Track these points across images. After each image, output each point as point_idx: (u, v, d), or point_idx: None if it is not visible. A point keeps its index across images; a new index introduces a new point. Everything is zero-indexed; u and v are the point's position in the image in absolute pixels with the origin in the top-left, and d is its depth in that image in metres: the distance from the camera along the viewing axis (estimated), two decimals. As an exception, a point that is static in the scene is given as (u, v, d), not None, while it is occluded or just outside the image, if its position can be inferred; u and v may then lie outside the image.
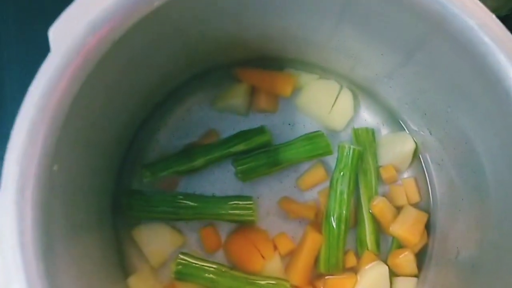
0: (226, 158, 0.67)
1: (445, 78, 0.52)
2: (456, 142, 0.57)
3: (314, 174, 0.69)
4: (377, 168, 0.68)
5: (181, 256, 0.62)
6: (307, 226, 0.67)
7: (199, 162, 0.66)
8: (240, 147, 0.67)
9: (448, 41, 0.46)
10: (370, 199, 0.66)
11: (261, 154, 0.66)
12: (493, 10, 0.44)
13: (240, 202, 0.66)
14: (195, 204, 0.65)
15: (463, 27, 0.44)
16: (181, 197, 0.65)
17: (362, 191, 0.67)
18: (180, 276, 0.62)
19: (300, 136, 0.68)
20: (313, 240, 0.65)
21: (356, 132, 0.68)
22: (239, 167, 0.66)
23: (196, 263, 0.62)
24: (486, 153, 0.52)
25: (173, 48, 0.57)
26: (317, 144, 0.67)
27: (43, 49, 0.42)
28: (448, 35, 0.45)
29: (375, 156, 0.68)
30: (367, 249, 0.66)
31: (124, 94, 0.56)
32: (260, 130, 0.67)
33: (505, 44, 0.43)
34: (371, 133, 0.68)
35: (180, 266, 0.62)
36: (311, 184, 0.68)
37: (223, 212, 0.65)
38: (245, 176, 0.66)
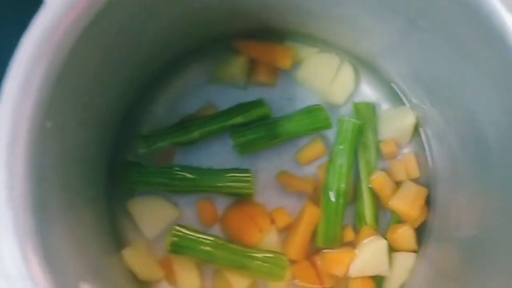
0: (223, 130, 0.66)
1: (449, 44, 0.51)
2: (458, 112, 0.56)
3: (313, 149, 0.68)
4: (377, 143, 0.67)
5: (177, 228, 0.61)
6: (306, 201, 0.66)
7: (195, 134, 0.65)
8: (238, 119, 0.66)
9: (452, 2, 0.45)
10: (369, 173, 0.66)
11: (259, 127, 0.65)
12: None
13: (238, 175, 0.65)
14: (192, 176, 0.64)
15: (468, -14, 0.43)
16: (177, 169, 0.64)
17: (361, 165, 0.66)
18: (176, 248, 0.61)
19: (299, 110, 0.67)
20: (311, 214, 0.64)
21: (356, 106, 0.68)
22: (236, 139, 0.65)
23: (192, 235, 0.61)
24: (489, 120, 0.51)
25: (171, 14, 0.56)
26: (316, 118, 0.66)
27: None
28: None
29: (375, 131, 0.67)
30: (366, 224, 0.65)
31: (119, 59, 0.55)
32: (259, 103, 0.66)
33: (510, 3, 0.42)
34: (372, 108, 0.67)
35: (175, 238, 0.60)
36: (310, 158, 0.68)
37: (220, 184, 0.64)
38: (243, 149, 0.65)
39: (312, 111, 0.66)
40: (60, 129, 0.45)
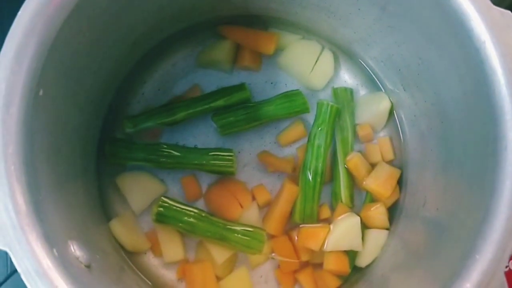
0: (207, 113, 0.70)
1: (415, 28, 0.55)
2: (426, 94, 0.60)
3: (294, 131, 0.71)
4: (354, 126, 0.71)
5: (163, 199, 0.65)
6: (284, 179, 0.69)
7: (180, 116, 0.68)
8: (220, 102, 0.69)
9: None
10: (345, 154, 0.69)
11: (240, 110, 0.69)
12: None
13: (221, 154, 0.68)
14: (177, 154, 0.67)
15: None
16: (164, 146, 0.68)
17: (338, 147, 0.70)
18: (161, 218, 0.64)
19: (279, 94, 0.70)
20: (289, 192, 0.68)
21: (335, 91, 0.71)
22: (218, 122, 0.69)
23: (177, 206, 0.65)
24: (452, 102, 0.55)
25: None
26: (294, 102, 0.69)
27: None
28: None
29: (352, 114, 0.71)
30: (341, 202, 0.68)
31: (109, 39, 0.58)
32: (240, 87, 0.70)
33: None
34: (350, 93, 0.71)
35: (161, 209, 0.64)
36: (291, 140, 0.71)
37: (204, 162, 0.68)
38: (224, 130, 0.69)
39: (290, 95, 0.70)
40: (51, 99, 0.48)
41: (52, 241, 0.43)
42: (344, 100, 0.71)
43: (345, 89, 0.71)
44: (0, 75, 0.43)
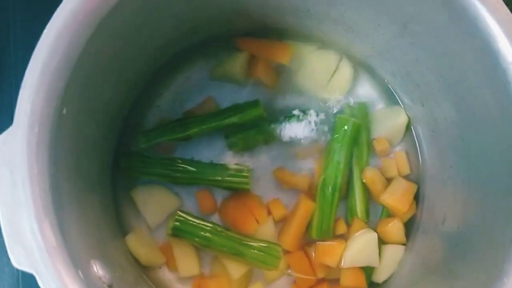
0: (220, 128, 0.69)
1: (438, 47, 0.54)
2: (447, 111, 0.60)
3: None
4: (370, 140, 0.70)
5: (180, 213, 0.64)
6: (300, 194, 0.69)
7: (193, 132, 0.68)
8: (234, 119, 0.68)
9: (441, 8, 0.49)
10: (361, 169, 0.69)
11: (252, 131, 0.69)
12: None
13: (236, 170, 0.68)
14: (193, 169, 0.67)
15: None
16: (179, 161, 0.67)
17: (354, 161, 0.69)
18: (177, 232, 0.64)
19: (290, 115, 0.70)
20: (306, 208, 0.67)
21: (350, 106, 0.71)
22: (233, 148, 0.69)
23: (193, 221, 0.64)
24: (474, 121, 0.54)
25: (177, 10, 0.59)
26: None
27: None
28: (441, 1, 0.48)
29: (368, 129, 0.70)
30: (357, 217, 0.68)
31: (129, 51, 0.58)
32: (254, 104, 0.69)
33: (494, 8, 0.46)
34: (364, 107, 0.70)
35: (177, 223, 0.64)
36: (308, 153, 0.71)
37: (219, 178, 0.67)
38: (238, 150, 0.69)
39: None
40: (74, 116, 0.48)
41: (77, 263, 0.43)
42: (359, 115, 0.70)
43: (360, 103, 0.70)
44: (25, 96, 0.42)
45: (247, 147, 0.69)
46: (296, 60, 0.72)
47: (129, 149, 0.69)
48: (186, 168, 0.67)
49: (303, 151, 0.71)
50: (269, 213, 0.69)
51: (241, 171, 0.68)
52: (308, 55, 0.71)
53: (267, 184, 0.70)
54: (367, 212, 0.69)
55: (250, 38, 0.71)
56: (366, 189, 0.69)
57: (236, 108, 0.69)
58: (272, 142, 0.70)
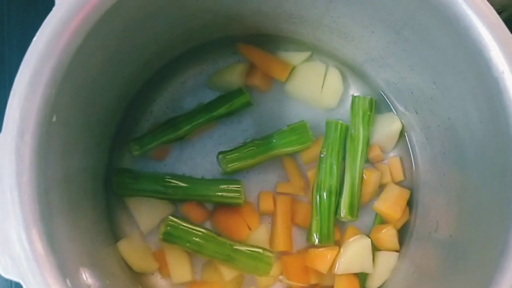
0: (211, 122, 0.69)
1: (431, 54, 0.54)
2: (440, 119, 0.60)
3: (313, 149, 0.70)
4: (367, 137, 0.68)
5: (171, 218, 0.64)
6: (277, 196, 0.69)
7: (184, 130, 0.68)
8: (222, 110, 0.69)
9: (434, 15, 0.49)
10: (354, 164, 0.68)
11: (243, 147, 0.68)
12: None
13: (228, 186, 0.67)
14: (184, 185, 0.67)
15: (448, 1, 0.46)
16: (169, 177, 0.67)
17: (348, 156, 0.68)
18: (168, 237, 0.63)
19: (284, 129, 0.69)
20: (283, 203, 0.68)
21: (353, 99, 0.70)
22: (223, 160, 0.68)
23: (185, 226, 0.64)
24: (467, 128, 0.54)
25: (171, 16, 0.59)
26: (301, 136, 0.69)
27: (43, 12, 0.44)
28: (434, 9, 0.48)
29: (367, 124, 0.69)
30: (343, 214, 0.66)
31: (121, 60, 0.58)
32: (239, 92, 0.69)
33: (487, 17, 0.45)
34: (368, 102, 0.69)
35: (169, 228, 0.63)
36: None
37: (211, 193, 0.67)
38: (228, 167, 0.68)
39: (296, 128, 0.69)
40: (64, 123, 0.48)
41: (65, 271, 0.43)
42: (360, 109, 0.69)
43: (364, 98, 0.69)
44: (14, 103, 0.42)
45: (238, 165, 0.68)
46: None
47: (123, 158, 0.69)
48: (178, 184, 0.66)
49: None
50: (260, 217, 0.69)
51: (233, 185, 0.67)
52: (296, 70, 0.71)
53: (259, 190, 0.70)
54: (351, 207, 0.66)
55: (251, 46, 0.71)
56: (356, 186, 0.67)
57: (222, 99, 0.69)
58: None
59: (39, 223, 0.42)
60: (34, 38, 0.44)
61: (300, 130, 0.68)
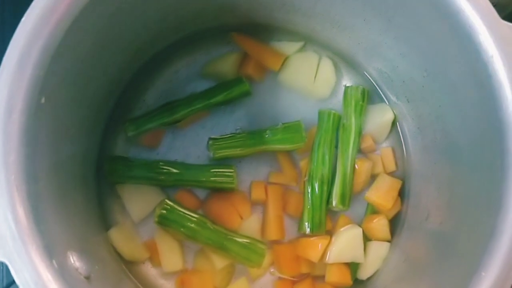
0: (207, 109, 0.69)
1: (422, 41, 0.54)
2: (431, 107, 0.60)
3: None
4: (360, 127, 0.69)
5: (167, 201, 0.64)
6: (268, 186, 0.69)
7: (181, 114, 0.68)
8: (220, 98, 0.68)
9: (424, 1, 0.49)
10: (346, 156, 0.67)
11: (235, 137, 0.68)
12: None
13: (221, 170, 0.67)
14: (177, 171, 0.66)
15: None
16: (162, 163, 0.67)
17: (340, 145, 0.68)
18: (163, 221, 0.63)
19: (278, 126, 0.68)
20: (274, 191, 0.68)
21: (346, 89, 0.70)
22: (212, 146, 0.67)
23: (180, 210, 0.64)
24: (457, 115, 0.54)
25: (161, 3, 0.59)
26: (294, 135, 0.68)
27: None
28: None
29: (360, 114, 0.69)
30: (334, 203, 0.66)
31: (113, 44, 0.57)
32: (239, 81, 0.69)
33: (476, 1, 0.45)
34: (360, 92, 0.69)
35: (164, 211, 0.63)
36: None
37: (203, 179, 0.67)
38: (217, 153, 0.68)
39: (291, 127, 0.68)
40: (53, 106, 0.48)
41: (52, 253, 0.42)
42: (353, 99, 0.69)
43: (357, 87, 0.69)
44: (2, 81, 0.42)
45: (227, 153, 0.68)
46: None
47: (112, 152, 0.69)
48: (170, 170, 0.66)
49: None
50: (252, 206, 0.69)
51: (226, 170, 0.67)
52: (289, 60, 0.71)
53: (251, 179, 0.70)
54: (343, 196, 0.66)
55: (246, 36, 0.71)
56: (348, 175, 0.67)
57: (221, 87, 0.69)
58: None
59: (26, 203, 0.42)
60: (23, 19, 0.43)
61: (294, 129, 0.68)
